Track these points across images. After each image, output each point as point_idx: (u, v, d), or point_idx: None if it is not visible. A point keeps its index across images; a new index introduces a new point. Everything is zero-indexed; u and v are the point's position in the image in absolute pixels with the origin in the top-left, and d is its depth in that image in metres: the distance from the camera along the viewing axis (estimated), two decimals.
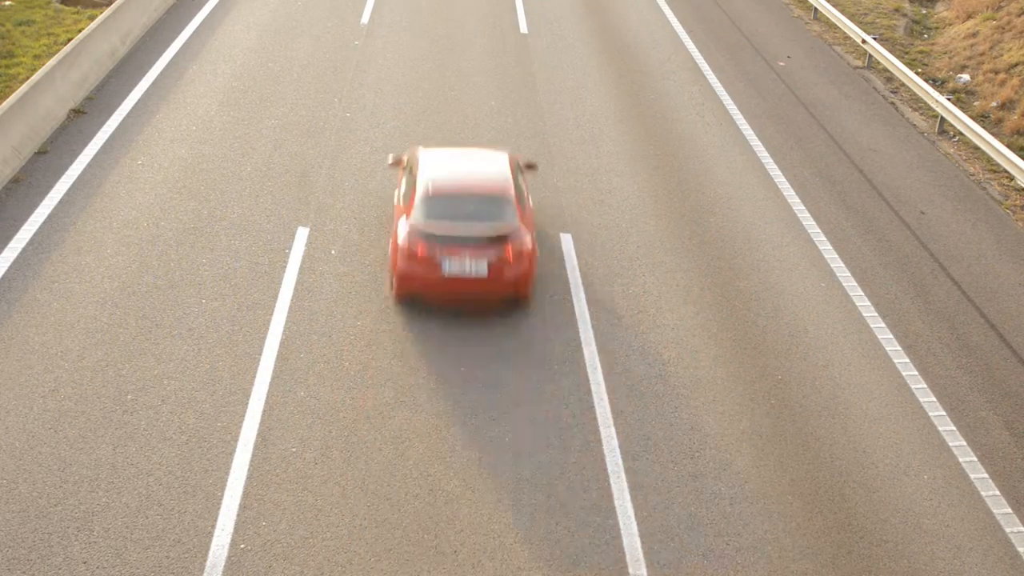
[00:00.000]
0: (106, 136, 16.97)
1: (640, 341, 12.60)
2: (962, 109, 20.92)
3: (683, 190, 16.57)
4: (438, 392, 11.45)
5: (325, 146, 17.15)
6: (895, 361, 12.64)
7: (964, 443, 11.34)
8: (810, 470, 10.75)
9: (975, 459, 11.10)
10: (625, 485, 10.32)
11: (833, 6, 26.89)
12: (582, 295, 13.42)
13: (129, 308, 12.51)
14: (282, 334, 12.23)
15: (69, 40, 20.79)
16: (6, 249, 13.53)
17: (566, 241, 14.66)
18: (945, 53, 24.50)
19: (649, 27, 24.91)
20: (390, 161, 14.45)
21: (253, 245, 14.04)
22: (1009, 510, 10.44)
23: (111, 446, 10.31)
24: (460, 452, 10.60)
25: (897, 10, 27.70)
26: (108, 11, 20.36)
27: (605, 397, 11.57)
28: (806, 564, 9.59)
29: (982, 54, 23.54)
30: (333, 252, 14.02)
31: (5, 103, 15.75)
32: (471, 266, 12.26)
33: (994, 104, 21.22)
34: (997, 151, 17.82)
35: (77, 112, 17.75)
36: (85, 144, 16.63)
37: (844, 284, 14.23)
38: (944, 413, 11.79)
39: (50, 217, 14.39)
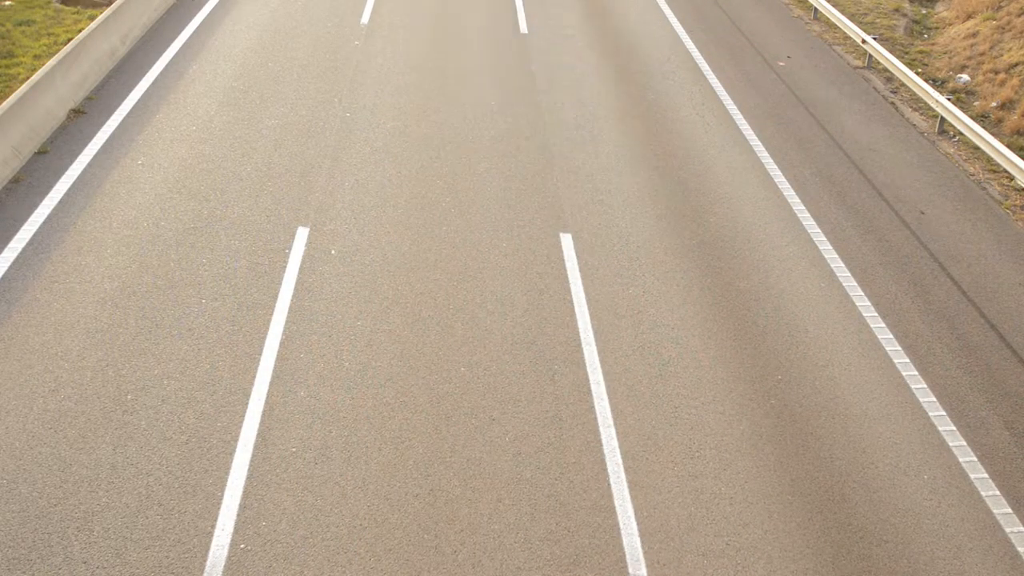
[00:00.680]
0: (106, 136, 16.97)
1: (640, 341, 12.60)
2: (962, 109, 20.93)
3: (683, 190, 16.57)
4: (438, 392, 11.45)
5: (325, 146, 17.14)
6: (895, 361, 12.64)
7: (964, 443, 11.34)
8: (810, 470, 10.75)
9: (975, 459, 11.11)
10: (625, 485, 10.32)
11: (833, 6, 26.89)
12: (582, 295, 13.42)
13: (129, 308, 12.52)
14: (282, 334, 12.23)
15: (69, 40, 20.80)
16: (6, 249, 13.53)
17: (566, 241, 14.66)
18: (945, 53, 24.50)
19: (649, 27, 24.91)
20: None
21: (253, 245, 14.04)
22: (1009, 510, 10.44)
23: (111, 446, 10.31)
24: (460, 452, 10.60)
25: (897, 10, 27.69)
26: (108, 11, 20.36)
27: (605, 397, 11.57)
28: (806, 564, 9.59)
29: (982, 54, 23.54)
30: (333, 252, 14.02)
31: (5, 103, 15.75)
32: None
33: (994, 104, 21.22)
34: (997, 151, 17.82)
35: (77, 112, 17.75)
36: (85, 144, 16.62)
37: (844, 284, 14.23)
38: (944, 413, 11.79)
39: (50, 217, 14.39)
